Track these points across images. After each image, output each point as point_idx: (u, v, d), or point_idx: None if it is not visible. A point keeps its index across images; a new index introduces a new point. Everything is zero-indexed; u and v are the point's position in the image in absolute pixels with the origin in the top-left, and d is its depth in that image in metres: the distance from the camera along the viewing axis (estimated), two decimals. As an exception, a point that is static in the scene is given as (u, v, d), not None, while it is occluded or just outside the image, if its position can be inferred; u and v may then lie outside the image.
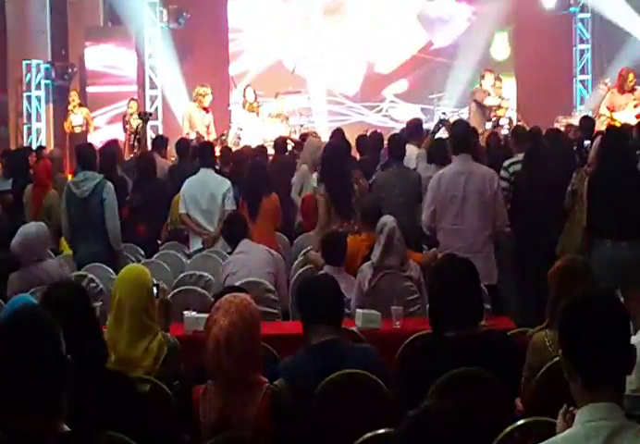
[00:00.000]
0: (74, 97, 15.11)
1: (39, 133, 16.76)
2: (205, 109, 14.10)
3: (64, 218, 7.56)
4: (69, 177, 9.81)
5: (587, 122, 10.31)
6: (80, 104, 15.19)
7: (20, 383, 2.47)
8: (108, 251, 7.39)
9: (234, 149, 12.07)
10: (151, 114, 13.60)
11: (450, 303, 4.01)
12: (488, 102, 13.48)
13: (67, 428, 2.54)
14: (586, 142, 8.46)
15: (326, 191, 7.69)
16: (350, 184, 7.92)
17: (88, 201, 7.41)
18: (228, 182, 8.43)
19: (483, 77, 14.03)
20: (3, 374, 2.50)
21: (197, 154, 9.33)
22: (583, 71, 17.06)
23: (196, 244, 8.31)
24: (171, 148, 11.34)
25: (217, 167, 9.44)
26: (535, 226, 7.51)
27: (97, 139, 14.64)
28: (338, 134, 10.26)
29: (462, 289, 4.05)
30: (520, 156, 7.98)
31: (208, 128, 14.15)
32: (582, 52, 17.08)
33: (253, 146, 11.93)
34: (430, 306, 4.26)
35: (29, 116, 16.70)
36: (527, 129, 9.20)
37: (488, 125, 13.34)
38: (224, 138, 14.39)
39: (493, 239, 6.73)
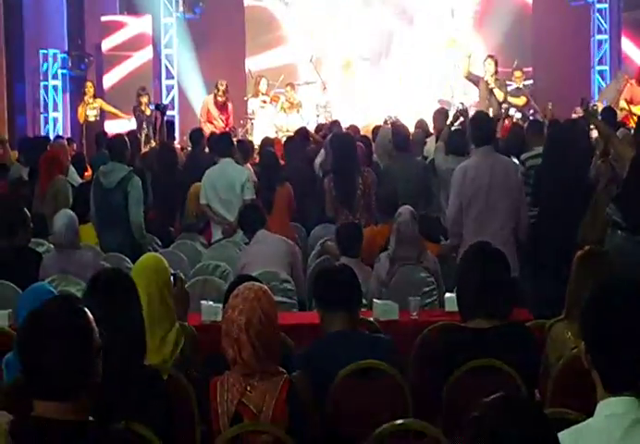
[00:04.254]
0: (89, 87, 15.11)
1: (56, 123, 16.80)
2: (219, 103, 14.17)
3: (92, 207, 7.66)
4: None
5: (609, 114, 10.18)
6: (95, 95, 15.18)
7: (49, 370, 2.48)
8: (132, 240, 7.45)
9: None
10: (166, 105, 13.60)
11: (480, 294, 4.00)
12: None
13: (90, 418, 2.54)
14: None
15: (332, 183, 7.73)
16: (355, 178, 7.96)
17: (113, 191, 7.50)
18: (247, 171, 8.43)
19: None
20: (31, 361, 2.50)
21: (213, 143, 9.30)
22: (601, 62, 16.96)
23: (217, 234, 8.33)
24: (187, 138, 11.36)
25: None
26: (555, 218, 7.46)
27: (112, 129, 14.65)
28: (351, 129, 10.34)
29: (494, 280, 4.04)
30: (537, 150, 7.93)
31: (226, 120, 14.23)
32: (600, 42, 16.97)
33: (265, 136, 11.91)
34: (458, 296, 4.23)
35: (45, 105, 16.73)
36: (544, 121, 9.13)
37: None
38: (240, 129, 14.43)
39: (523, 232, 6.68)
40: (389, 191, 7.79)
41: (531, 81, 15.90)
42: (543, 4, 16.71)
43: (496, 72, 12.67)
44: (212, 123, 14.30)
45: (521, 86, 14.13)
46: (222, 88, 14.19)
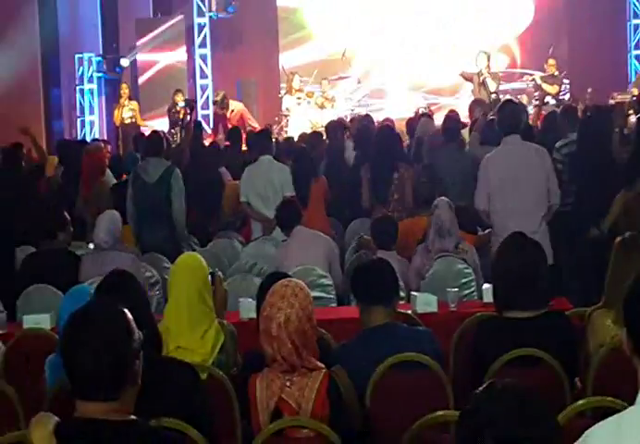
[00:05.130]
0: (124, 90, 15.22)
1: (92, 126, 16.95)
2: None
3: (129, 204, 7.61)
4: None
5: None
6: (130, 97, 15.29)
7: (92, 372, 2.51)
8: (172, 236, 7.46)
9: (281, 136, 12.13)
10: (195, 101, 13.69)
11: (518, 284, 3.99)
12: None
13: (132, 416, 2.58)
14: None
15: (369, 175, 7.73)
16: (392, 173, 7.97)
17: (156, 186, 7.49)
18: (287, 168, 8.45)
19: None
20: (75, 363, 2.53)
21: (252, 141, 9.34)
22: (638, 46, 16.79)
23: (257, 231, 8.36)
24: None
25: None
26: (593, 205, 7.41)
27: (147, 130, 14.76)
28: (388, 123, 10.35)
29: (531, 270, 4.03)
30: (572, 137, 7.87)
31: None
32: (636, 27, 16.80)
33: (301, 132, 11.95)
34: (495, 287, 4.21)
35: (82, 109, 16.88)
36: (578, 107, 9.06)
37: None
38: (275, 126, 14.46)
39: (547, 218, 6.65)
40: (426, 183, 7.78)
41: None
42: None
43: (488, 66, 12.74)
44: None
45: (555, 73, 14.03)
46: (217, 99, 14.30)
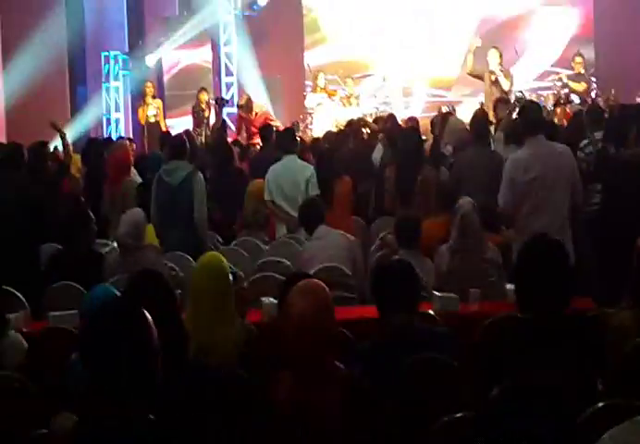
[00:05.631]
0: (149, 88, 15.28)
1: (118, 124, 17.02)
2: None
3: (153, 206, 7.67)
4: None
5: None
6: (155, 96, 15.33)
7: (112, 371, 2.54)
8: (195, 237, 7.51)
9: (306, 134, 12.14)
10: (227, 100, 13.71)
11: (541, 286, 3.97)
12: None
13: (150, 416, 2.59)
14: None
15: (395, 174, 7.72)
16: (417, 174, 7.96)
17: (179, 189, 7.55)
18: (312, 168, 8.45)
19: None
20: (95, 362, 2.56)
21: (278, 139, 9.35)
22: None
23: (281, 230, 8.37)
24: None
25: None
26: (620, 203, 7.37)
27: (172, 129, 14.80)
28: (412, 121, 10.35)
29: (554, 272, 4.02)
30: (596, 136, 7.83)
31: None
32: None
33: (325, 131, 11.96)
34: (517, 287, 4.20)
35: (107, 107, 16.96)
36: (602, 107, 9.01)
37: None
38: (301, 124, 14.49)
39: (570, 219, 6.62)
40: (449, 183, 7.78)
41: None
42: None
43: (500, 63, 12.47)
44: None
45: (582, 71, 13.95)
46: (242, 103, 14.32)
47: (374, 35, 16.94)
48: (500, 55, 12.48)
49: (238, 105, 14.47)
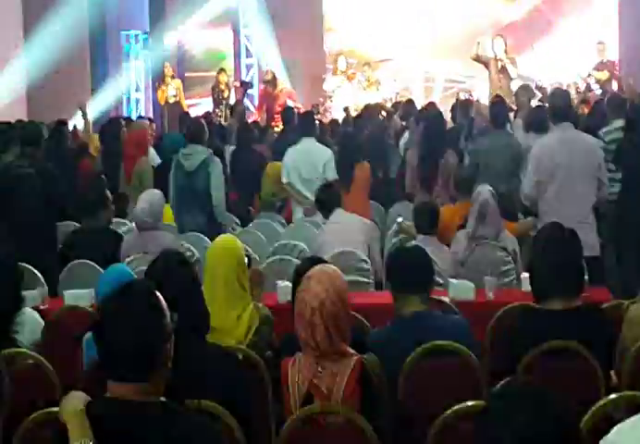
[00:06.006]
0: (169, 68, 15.26)
1: (138, 103, 17.03)
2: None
3: (172, 189, 7.66)
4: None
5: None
6: (174, 76, 15.32)
7: (123, 353, 2.54)
8: (211, 222, 7.48)
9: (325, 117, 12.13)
10: (252, 84, 13.70)
11: (555, 275, 3.96)
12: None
13: (162, 398, 2.60)
14: None
15: (417, 161, 7.71)
16: (439, 160, 7.95)
17: (195, 174, 7.52)
18: (330, 151, 8.44)
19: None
20: (106, 343, 2.56)
21: (297, 122, 9.35)
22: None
23: (298, 213, 8.37)
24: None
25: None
26: (638, 194, 7.33)
27: (192, 109, 14.81)
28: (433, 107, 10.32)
29: (569, 261, 4.00)
30: (616, 124, 7.78)
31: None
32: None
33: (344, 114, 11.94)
34: (532, 277, 4.19)
35: (128, 86, 16.96)
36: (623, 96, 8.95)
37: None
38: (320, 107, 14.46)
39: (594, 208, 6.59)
40: (468, 170, 7.75)
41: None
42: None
43: (505, 51, 12.41)
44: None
45: (605, 60, 13.85)
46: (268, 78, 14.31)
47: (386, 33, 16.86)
48: (505, 43, 12.44)
49: (263, 81, 14.46)
